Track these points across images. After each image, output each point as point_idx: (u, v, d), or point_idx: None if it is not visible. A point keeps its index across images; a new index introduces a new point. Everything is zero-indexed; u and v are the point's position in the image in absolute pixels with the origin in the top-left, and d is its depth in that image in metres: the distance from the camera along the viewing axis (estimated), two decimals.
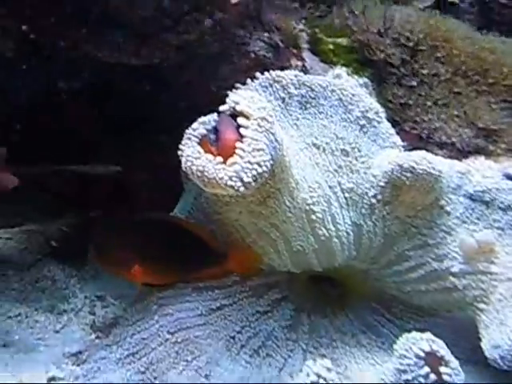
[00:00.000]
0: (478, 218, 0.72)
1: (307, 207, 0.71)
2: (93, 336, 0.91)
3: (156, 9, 0.80)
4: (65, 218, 1.17)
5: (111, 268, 0.82)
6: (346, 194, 0.74)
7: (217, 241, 0.78)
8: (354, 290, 0.82)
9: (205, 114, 0.78)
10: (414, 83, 0.91)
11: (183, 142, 0.73)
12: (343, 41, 1.05)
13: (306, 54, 1.01)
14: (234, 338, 0.73)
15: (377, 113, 0.77)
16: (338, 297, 0.82)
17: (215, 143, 0.73)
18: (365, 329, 0.78)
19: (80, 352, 0.84)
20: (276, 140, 0.67)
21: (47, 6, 0.80)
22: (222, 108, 0.76)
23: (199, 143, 0.72)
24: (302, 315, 0.79)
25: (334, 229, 0.72)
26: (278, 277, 0.81)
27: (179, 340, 0.71)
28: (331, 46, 1.04)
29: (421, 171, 0.67)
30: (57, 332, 0.92)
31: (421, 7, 1.20)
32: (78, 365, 0.81)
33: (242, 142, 0.66)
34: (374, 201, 0.73)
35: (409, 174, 0.68)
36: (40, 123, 1.02)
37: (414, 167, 0.67)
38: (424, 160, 0.68)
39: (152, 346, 0.72)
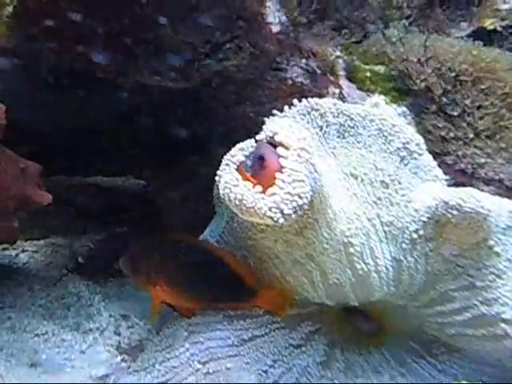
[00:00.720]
0: None
1: (345, 239, 0.69)
2: (119, 358, 0.90)
3: (199, 35, 0.82)
4: (91, 233, 1.18)
5: (138, 281, 0.81)
6: (386, 228, 0.72)
7: (250, 276, 0.76)
8: (390, 326, 0.79)
9: (241, 140, 0.79)
10: (456, 113, 0.89)
11: (221, 168, 0.73)
12: (380, 68, 1.04)
13: (343, 82, 1.00)
14: (266, 372, 0.72)
15: (418, 144, 0.76)
16: (372, 332, 0.79)
17: (252, 170, 0.72)
18: (403, 371, 0.75)
19: (107, 375, 0.84)
20: (316, 171, 0.66)
21: (97, 35, 0.82)
22: (258, 137, 0.76)
23: (237, 170, 0.72)
24: (335, 351, 0.77)
25: (372, 263, 0.70)
26: (310, 308, 0.79)
27: (210, 371, 0.70)
28: (368, 74, 1.03)
29: (468, 209, 0.65)
30: (83, 352, 0.92)
31: (457, 36, 1.18)
32: None
33: (281, 172, 0.65)
34: (415, 236, 0.71)
35: (455, 212, 0.65)
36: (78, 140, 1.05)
37: (460, 205, 0.65)
38: (472, 198, 0.65)
39: (183, 376, 0.71)
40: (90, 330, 0.96)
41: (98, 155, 1.09)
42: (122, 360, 0.88)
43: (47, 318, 0.96)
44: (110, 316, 1.00)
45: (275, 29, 0.85)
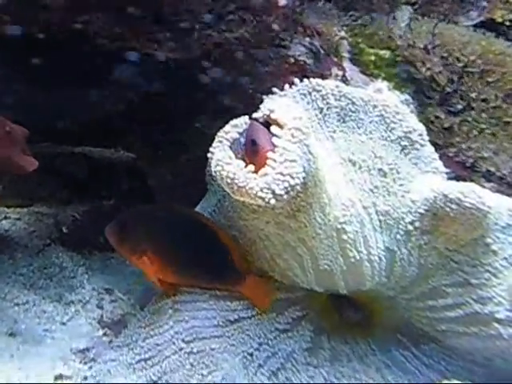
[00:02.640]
0: None
1: (339, 226, 0.68)
2: (100, 332, 0.89)
3: (201, 4, 0.78)
4: (76, 203, 1.16)
5: (123, 251, 0.77)
6: (381, 217, 0.70)
7: (241, 257, 0.74)
8: (379, 317, 0.78)
9: (238, 115, 0.76)
10: (460, 107, 0.87)
11: (214, 145, 0.71)
12: (386, 53, 1.01)
13: (347, 64, 0.97)
14: (251, 355, 0.71)
15: (421, 135, 0.74)
16: (360, 322, 0.79)
17: (246, 149, 0.70)
18: (390, 363, 0.74)
19: (87, 349, 0.82)
20: (310, 152, 0.64)
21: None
22: (255, 114, 0.73)
23: (230, 147, 0.70)
24: (322, 338, 0.76)
25: (365, 252, 0.69)
26: (298, 293, 0.78)
27: (194, 351, 0.69)
28: (373, 58, 1.00)
29: (468, 205, 0.63)
30: (64, 324, 0.91)
31: (466, 24, 1.16)
32: (86, 363, 0.79)
33: (273, 152, 0.63)
34: (410, 228, 0.69)
35: (454, 206, 0.64)
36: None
37: (460, 199, 0.63)
38: (473, 193, 0.63)
39: (166, 354, 0.70)
40: (72, 302, 0.95)
41: (87, 125, 1.06)
42: (104, 334, 0.87)
43: (28, 287, 0.94)
44: (93, 289, 0.98)
45: (281, 2, 0.81)
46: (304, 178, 0.62)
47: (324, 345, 0.76)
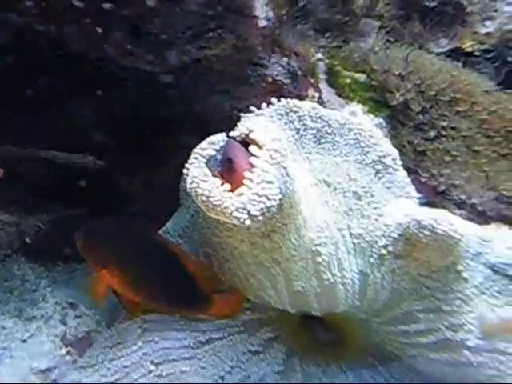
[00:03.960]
0: (500, 292, 0.68)
1: (313, 247, 0.68)
2: (63, 351, 0.85)
3: (181, 20, 0.78)
4: (40, 212, 1.11)
5: (88, 259, 0.76)
6: (355, 240, 0.71)
7: (208, 282, 0.73)
8: (351, 339, 0.79)
9: (214, 132, 0.75)
10: (433, 134, 0.90)
11: (190, 161, 0.70)
12: (361, 77, 1.03)
13: (323, 86, 0.99)
14: (222, 378, 0.69)
15: (394, 159, 0.75)
16: (331, 343, 0.78)
17: (222, 166, 0.70)
18: None
19: (49, 369, 0.79)
20: (287, 174, 0.64)
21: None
22: (233, 133, 0.73)
23: (206, 164, 0.69)
24: (294, 360, 0.75)
25: (339, 274, 0.69)
26: (270, 313, 0.77)
27: (164, 374, 0.67)
28: (348, 81, 1.02)
29: (441, 232, 0.64)
30: (24, 342, 0.86)
31: (436, 51, 1.20)
32: None
33: (251, 172, 0.63)
34: (383, 251, 0.70)
35: (427, 232, 0.65)
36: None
37: (433, 226, 0.64)
38: (445, 220, 0.64)
39: (133, 377, 0.67)
40: (34, 317, 0.91)
41: (56, 129, 1.03)
42: (67, 353, 0.83)
43: None
44: (57, 303, 0.94)
45: (261, 23, 0.82)
46: (280, 199, 0.62)
47: (296, 367, 0.75)
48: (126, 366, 0.69)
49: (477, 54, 1.14)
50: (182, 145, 1.00)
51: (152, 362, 0.69)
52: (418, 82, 0.94)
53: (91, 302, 0.89)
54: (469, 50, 1.18)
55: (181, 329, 0.72)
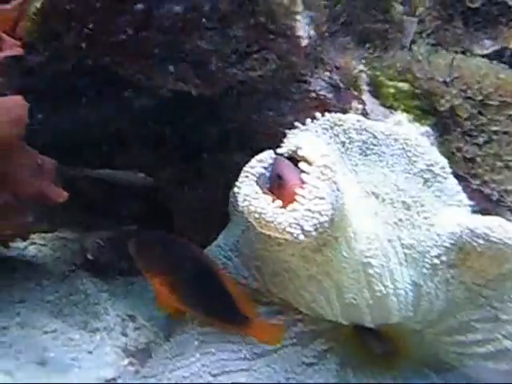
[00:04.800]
0: None
1: (365, 259, 0.68)
2: (126, 361, 0.90)
3: (227, 45, 0.82)
4: (97, 228, 1.18)
5: (140, 266, 0.82)
6: (406, 250, 0.71)
7: (246, 305, 0.76)
8: (405, 350, 0.78)
9: (260, 148, 0.78)
10: (482, 139, 0.88)
11: (240, 180, 0.73)
12: (404, 86, 1.03)
13: (366, 97, 1.00)
14: None
15: (443, 168, 0.75)
16: (384, 354, 0.78)
17: (271, 183, 0.72)
18: None
19: (114, 379, 0.83)
20: (338, 189, 0.65)
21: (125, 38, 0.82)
22: (280, 150, 0.75)
23: (256, 182, 0.72)
24: (347, 371, 0.76)
25: (391, 286, 0.69)
26: (323, 325, 0.78)
27: None
28: (392, 90, 1.02)
29: (495, 240, 0.63)
30: (90, 353, 0.91)
31: (480, 53, 1.17)
32: None
33: (303, 188, 0.64)
34: (436, 261, 0.69)
35: (481, 241, 0.64)
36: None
37: (487, 234, 0.63)
38: (500, 227, 0.63)
39: None
40: (97, 329, 0.95)
41: (107, 148, 1.09)
42: (129, 363, 0.88)
43: (55, 314, 0.95)
44: (117, 316, 0.99)
45: (304, 43, 0.84)
46: (332, 214, 0.64)
47: (350, 379, 0.75)
48: (185, 377, 0.72)
49: None
50: (228, 162, 1.04)
51: (210, 373, 0.71)
52: (464, 88, 0.92)
53: (156, 310, 0.95)
54: None
55: (236, 341, 0.75)
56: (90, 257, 1.11)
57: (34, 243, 1.11)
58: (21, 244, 1.08)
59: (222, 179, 1.05)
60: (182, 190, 1.11)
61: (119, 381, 0.83)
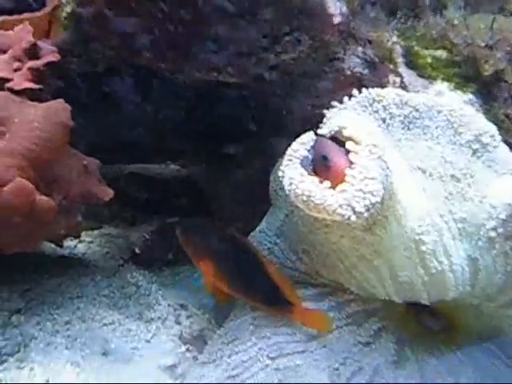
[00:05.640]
0: None
1: (416, 237, 0.67)
2: (183, 348, 0.93)
3: (257, 30, 0.81)
4: (140, 222, 1.21)
5: (188, 251, 0.85)
6: (459, 225, 0.69)
7: (288, 291, 0.76)
8: (462, 325, 0.77)
9: (297, 132, 0.77)
10: None
11: (284, 164, 0.72)
12: (442, 54, 0.99)
13: (403, 69, 0.96)
14: (337, 369, 0.71)
15: (492, 136, 0.72)
16: (441, 331, 0.77)
17: (316, 165, 0.71)
18: (479, 371, 0.73)
19: (174, 365, 0.86)
20: (387, 167, 0.64)
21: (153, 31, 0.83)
22: (321, 131, 0.74)
23: (301, 165, 0.71)
24: (405, 350, 0.75)
25: (446, 262, 0.68)
26: (374, 304, 0.78)
27: (280, 367, 0.70)
28: (429, 60, 0.98)
29: None
30: (148, 342, 0.94)
31: None
32: (176, 379, 0.83)
33: (351, 168, 0.64)
34: (493, 234, 0.67)
35: None
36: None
37: None
38: None
39: (253, 371, 0.71)
40: (152, 319, 0.99)
41: (141, 143, 1.11)
42: (187, 350, 0.90)
43: (112, 307, 0.99)
44: (169, 305, 1.02)
45: (336, 20, 0.82)
46: (383, 194, 0.63)
47: (409, 356, 0.75)
48: (244, 361, 0.74)
49: None
50: (265, 147, 1.04)
51: (268, 357, 0.72)
52: (508, 50, 0.88)
53: (206, 298, 0.98)
54: None
55: (290, 324, 0.76)
56: (137, 251, 1.14)
57: (83, 241, 1.16)
58: (71, 242, 1.13)
59: (260, 165, 1.05)
60: (220, 178, 1.12)
61: (180, 367, 0.86)
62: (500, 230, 0.67)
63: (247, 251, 0.80)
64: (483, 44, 0.90)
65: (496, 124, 0.77)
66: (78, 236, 1.02)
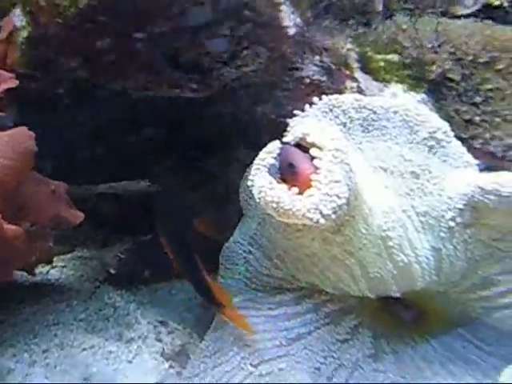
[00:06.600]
0: None
1: (383, 233, 0.70)
2: (166, 365, 0.93)
3: (216, 45, 0.83)
4: (113, 242, 1.20)
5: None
6: (421, 218, 0.73)
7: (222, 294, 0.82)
8: (433, 313, 0.81)
9: (262, 142, 0.79)
10: (478, 99, 0.90)
11: (253, 173, 0.74)
12: (394, 57, 1.04)
13: (359, 74, 1.01)
14: (319, 369, 0.73)
15: (445, 132, 0.76)
16: (413, 320, 0.81)
17: (283, 172, 0.74)
18: (452, 356, 0.76)
19: (159, 383, 0.86)
20: (351, 170, 0.67)
21: (112, 50, 0.84)
22: (286, 139, 0.77)
23: (269, 173, 0.73)
24: (381, 342, 0.78)
25: (412, 254, 0.72)
26: (349, 301, 0.81)
27: (264, 373, 0.72)
28: (382, 64, 1.03)
29: (506, 194, 0.65)
30: (130, 362, 0.94)
31: (463, 13, 1.18)
32: None
33: (317, 173, 0.66)
34: (452, 224, 0.71)
35: (492, 197, 0.66)
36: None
37: (498, 189, 0.65)
38: (509, 181, 0.65)
39: (238, 379, 0.73)
40: (132, 338, 0.98)
41: (109, 162, 1.11)
42: (170, 366, 0.91)
43: (90, 331, 0.98)
44: (149, 323, 1.02)
45: (291, 32, 0.85)
46: (348, 195, 0.65)
47: (385, 349, 0.78)
48: (228, 371, 0.75)
49: (505, 5, 1.11)
50: (232, 158, 1.06)
51: (251, 364, 0.74)
52: (452, 51, 0.94)
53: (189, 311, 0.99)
54: (497, 3, 1.15)
55: (269, 329, 0.77)
56: (112, 271, 1.13)
57: (55, 266, 1.14)
58: (43, 269, 1.11)
59: (228, 176, 1.07)
60: (190, 192, 1.13)
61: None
62: (458, 220, 0.71)
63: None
64: (430, 46, 0.95)
65: (447, 120, 0.82)
66: (50, 261, 1.01)
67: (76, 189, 1.12)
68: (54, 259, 1.13)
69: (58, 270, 1.14)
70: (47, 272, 1.12)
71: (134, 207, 1.23)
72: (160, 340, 0.99)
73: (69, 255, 1.17)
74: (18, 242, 0.76)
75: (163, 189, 1.15)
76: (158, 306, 1.07)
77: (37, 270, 0.98)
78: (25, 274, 0.96)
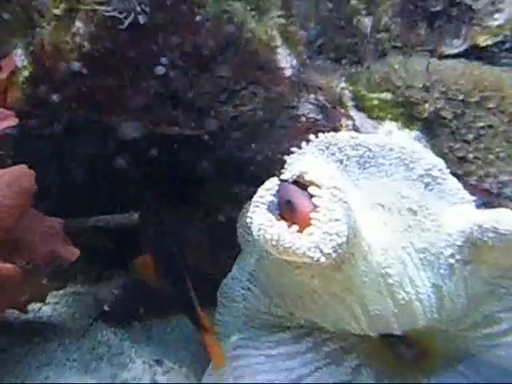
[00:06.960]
0: None
1: (383, 270, 0.70)
2: None
3: (215, 85, 0.85)
4: (105, 277, 1.18)
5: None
6: (421, 255, 0.73)
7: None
8: (435, 351, 0.80)
9: (259, 179, 0.80)
10: (471, 136, 0.92)
11: (252, 210, 0.74)
12: (387, 95, 1.06)
13: (354, 112, 1.03)
14: None
15: (440, 169, 0.78)
16: (415, 359, 0.80)
17: (282, 209, 0.74)
18: None
19: None
20: (349, 208, 0.68)
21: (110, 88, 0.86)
22: (284, 176, 0.77)
23: (268, 210, 0.73)
24: (384, 382, 0.77)
25: (413, 291, 0.71)
26: (350, 340, 0.80)
27: None
28: (376, 102, 1.06)
29: (504, 231, 0.66)
30: None
31: (451, 53, 1.22)
32: None
33: (316, 212, 0.67)
34: (451, 261, 0.72)
35: (491, 234, 0.67)
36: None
37: (496, 227, 0.66)
38: (506, 219, 0.66)
39: None
40: (127, 380, 0.96)
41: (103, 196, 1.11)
42: None
43: (83, 372, 0.96)
44: (144, 362, 0.99)
45: (288, 73, 0.88)
46: (348, 233, 0.66)
47: None
48: None
49: (492, 47, 1.15)
50: (229, 194, 1.07)
51: None
52: (444, 90, 0.97)
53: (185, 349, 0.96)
54: (484, 44, 1.20)
55: (269, 370, 0.76)
56: (106, 308, 1.11)
57: (48, 303, 1.11)
58: (35, 306, 1.08)
59: (224, 212, 1.07)
60: (186, 228, 1.13)
61: None
62: (458, 257, 0.71)
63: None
64: (421, 85, 0.99)
65: (442, 157, 0.84)
66: (43, 299, 0.99)
67: (69, 222, 1.11)
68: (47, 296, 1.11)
69: (50, 306, 1.11)
70: (39, 309, 1.10)
71: (128, 241, 1.22)
72: (155, 381, 0.96)
73: (61, 291, 1.15)
74: (13, 282, 0.75)
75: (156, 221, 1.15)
76: (153, 344, 1.04)
77: (29, 307, 0.96)
78: (16, 311, 0.94)
